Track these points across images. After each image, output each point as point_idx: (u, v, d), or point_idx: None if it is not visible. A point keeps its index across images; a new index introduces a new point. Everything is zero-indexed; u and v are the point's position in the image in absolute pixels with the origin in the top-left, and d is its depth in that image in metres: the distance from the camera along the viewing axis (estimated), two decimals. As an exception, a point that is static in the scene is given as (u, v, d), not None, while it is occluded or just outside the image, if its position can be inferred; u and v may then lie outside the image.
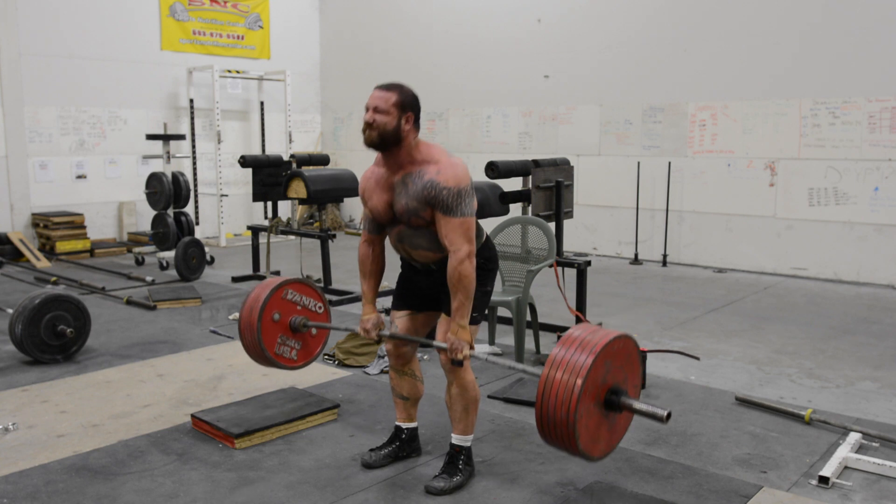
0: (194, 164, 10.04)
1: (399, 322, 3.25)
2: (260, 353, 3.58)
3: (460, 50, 10.20)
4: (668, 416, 2.60)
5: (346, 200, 10.10)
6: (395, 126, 2.89)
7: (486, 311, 3.33)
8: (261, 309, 3.52)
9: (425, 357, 4.89)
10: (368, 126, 2.92)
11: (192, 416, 3.77)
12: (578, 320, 5.41)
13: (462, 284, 2.89)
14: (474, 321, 3.07)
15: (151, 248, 8.66)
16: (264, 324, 3.55)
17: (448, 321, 3.04)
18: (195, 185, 9.95)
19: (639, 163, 8.62)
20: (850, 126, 7.31)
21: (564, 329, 5.46)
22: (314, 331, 3.74)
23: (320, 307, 3.78)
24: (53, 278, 7.35)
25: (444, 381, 3.29)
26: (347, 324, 3.72)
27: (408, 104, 2.93)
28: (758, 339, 5.46)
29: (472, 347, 2.96)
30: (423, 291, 3.19)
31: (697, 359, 4.86)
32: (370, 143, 2.95)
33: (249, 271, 7.80)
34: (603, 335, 2.62)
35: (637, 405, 2.65)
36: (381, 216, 3.10)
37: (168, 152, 8.62)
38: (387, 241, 3.23)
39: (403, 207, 2.98)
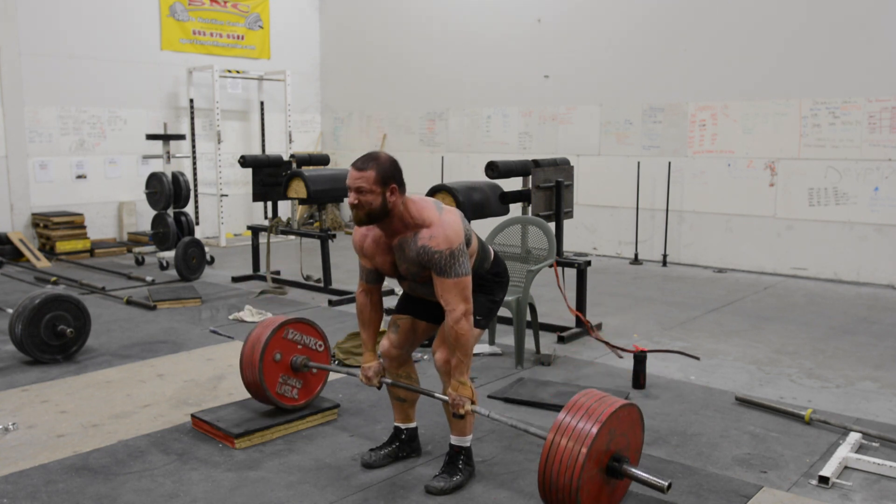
0: (194, 164, 10.04)
1: (401, 323, 3.27)
2: (262, 392, 3.65)
3: (460, 50, 10.20)
4: (669, 486, 2.70)
5: (346, 200, 10.08)
6: (381, 203, 2.89)
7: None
8: (262, 349, 3.59)
9: (424, 357, 4.89)
10: (355, 207, 2.91)
11: (192, 416, 3.77)
12: (579, 320, 5.41)
13: (459, 343, 2.92)
14: (478, 325, 3.10)
15: (151, 248, 8.66)
16: (266, 364, 3.62)
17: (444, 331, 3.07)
18: (195, 185, 9.95)
19: (639, 163, 8.61)
20: (850, 126, 7.31)
21: (565, 329, 5.47)
22: (315, 370, 3.77)
23: (321, 345, 3.85)
24: (53, 278, 7.35)
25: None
26: (349, 369, 3.73)
27: (388, 176, 2.88)
28: (758, 339, 5.45)
29: (473, 402, 3.00)
30: (428, 304, 3.22)
31: (697, 359, 4.87)
32: (360, 223, 2.97)
33: (249, 271, 7.80)
34: (609, 404, 2.69)
35: (638, 474, 2.73)
36: (389, 274, 3.17)
37: (168, 152, 8.61)
38: (386, 284, 3.27)
39: (406, 270, 3.05)
